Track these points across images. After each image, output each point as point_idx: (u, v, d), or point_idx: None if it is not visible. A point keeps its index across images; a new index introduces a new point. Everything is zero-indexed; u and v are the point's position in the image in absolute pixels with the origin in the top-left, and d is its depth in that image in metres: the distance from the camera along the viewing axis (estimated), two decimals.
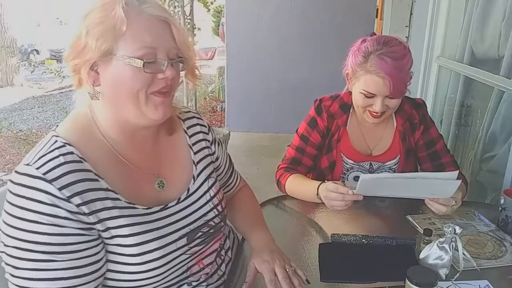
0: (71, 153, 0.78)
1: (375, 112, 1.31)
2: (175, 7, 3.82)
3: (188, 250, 0.91)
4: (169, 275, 0.87)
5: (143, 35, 0.77)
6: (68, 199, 0.73)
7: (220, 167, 1.10)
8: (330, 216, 1.29)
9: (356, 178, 1.15)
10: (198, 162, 0.99)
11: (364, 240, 1.14)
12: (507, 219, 1.20)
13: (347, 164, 1.44)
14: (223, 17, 5.88)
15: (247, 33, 4.51)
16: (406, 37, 3.27)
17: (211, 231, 0.97)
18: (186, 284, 0.92)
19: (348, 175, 1.45)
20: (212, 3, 4.61)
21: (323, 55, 4.42)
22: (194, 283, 0.93)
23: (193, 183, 0.96)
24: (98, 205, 0.78)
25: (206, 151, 1.02)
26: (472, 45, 2.19)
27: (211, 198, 0.98)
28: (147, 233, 0.83)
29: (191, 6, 3.16)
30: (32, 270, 0.72)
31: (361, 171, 1.43)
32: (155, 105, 0.82)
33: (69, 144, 0.78)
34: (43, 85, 8.21)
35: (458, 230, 0.98)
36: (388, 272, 1.02)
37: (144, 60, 0.77)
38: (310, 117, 1.47)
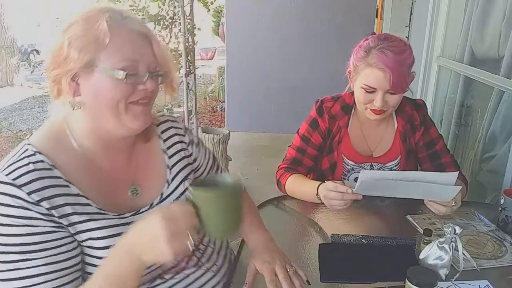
0: (41, 161, 0.79)
1: (375, 109, 1.31)
2: (175, 7, 3.81)
3: None
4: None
5: (125, 48, 0.80)
6: (37, 203, 0.75)
7: (200, 168, 1.09)
8: (330, 216, 1.29)
9: (357, 180, 1.15)
10: (172, 166, 0.99)
11: (364, 240, 1.14)
12: (507, 219, 1.20)
13: (348, 165, 1.44)
14: (223, 17, 5.89)
15: (247, 33, 4.52)
16: (406, 37, 3.28)
17: None
18: (158, 279, 0.91)
19: (348, 176, 1.45)
20: (212, 3, 4.63)
21: (323, 55, 4.42)
22: (166, 277, 0.92)
23: (167, 187, 0.96)
24: (68, 209, 0.79)
25: (182, 154, 1.02)
26: (472, 45, 2.19)
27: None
28: (118, 236, 0.82)
29: (191, 6, 3.15)
30: (9, 271, 0.73)
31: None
32: (134, 114, 0.84)
33: (40, 153, 0.80)
34: (43, 85, 8.19)
35: (458, 230, 0.98)
36: (388, 272, 1.02)
37: (127, 72, 0.79)
38: (311, 118, 1.47)
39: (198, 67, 3.74)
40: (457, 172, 1.13)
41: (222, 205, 0.74)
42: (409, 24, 3.31)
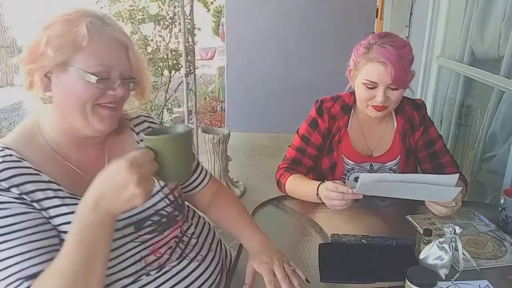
0: (10, 155, 0.82)
1: (377, 105, 1.31)
2: (175, 7, 3.80)
3: (137, 238, 0.92)
4: (119, 263, 0.88)
5: (101, 53, 0.83)
6: (7, 189, 0.78)
7: None
8: (330, 216, 1.29)
9: (357, 179, 1.15)
10: None
11: (364, 240, 1.14)
12: (507, 219, 1.20)
13: (347, 165, 1.44)
14: (223, 17, 5.88)
15: (247, 33, 4.51)
16: (406, 37, 3.27)
17: (163, 220, 0.98)
18: (144, 275, 0.92)
19: (348, 176, 1.45)
20: (212, 3, 4.60)
21: (323, 55, 4.42)
22: (152, 273, 0.93)
23: None
24: (39, 195, 0.81)
25: None
26: (472, 45, 2.19)
27: (161, 187, 0.99)
28: None
29: (191, 6, 3.15)
30: None
31: (361, 172, 1.43)
32: (100, 117, 0.86)
33: (8, 148, 0.83)
34: None
35: (458, 230, 0.98)
36: (388, 272, 1.02)
37: (99, 77, 0.82)
38: (311, 118, 1.47)
39: (198, 67, 3.74)
40: (458, 174, 1.13)
41: (174, 147, 0.77)
42: (409, 24, 3.31)
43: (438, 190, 1.12)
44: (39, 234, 0.78)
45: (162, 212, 0.98)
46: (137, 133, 1.02)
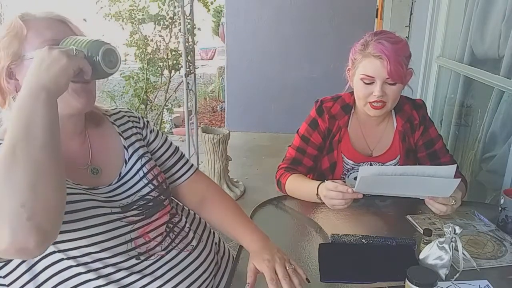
0: None
1: (375, 102, 1.32)
2: (175, 7, 3.81)
3: (124, 218, 0.93)
4: (108, 239, 0.89)
5: (44, 33, 0.86)
6: None
7: (156, 151, 1.12)
8: (330, 216, 1.29)
9: (357, 178, 1.15)
10: (129, 146, 1.04)
11: (364, 240, 1.14)
12: (507, 219, 1.20)
13: (347, 164, 1.44)
14: (223, 17, 5.89)
15: (247, 33, 4.52)
16: (406, 37, 3.27)
17: (150, 204, 1.00)
18: (134, 258, 0.93)
19: (348, 175, 1.45)
20: (212, 3, 4.61)
21: (323, 55, 4.42)
22: (142, 257, 0.94)
23: (125, 166, 1.01)
24: None
25: (138, 136, 1.08)
26: (472, 45, 2.19)
27: (145, 174, 1.02)
28: (73, 203, 0.85)
29: (191, 6, 3.15)
30: None
31: None
32: (76, 91, 0.87)
33: None
34: None
35: (458, 230, 0.98)
36: (388, 272, 1.02)
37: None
38: (311, 118, 1.47)
39: (198, 67, 3.74)
40: (456, 165, 1.13)
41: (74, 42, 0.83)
42: (409, 24, 3.31)
43: (437, 182, 1.12)
44: None
45: (148, 197, 1.00)
46: (118, 126, 1.05)
